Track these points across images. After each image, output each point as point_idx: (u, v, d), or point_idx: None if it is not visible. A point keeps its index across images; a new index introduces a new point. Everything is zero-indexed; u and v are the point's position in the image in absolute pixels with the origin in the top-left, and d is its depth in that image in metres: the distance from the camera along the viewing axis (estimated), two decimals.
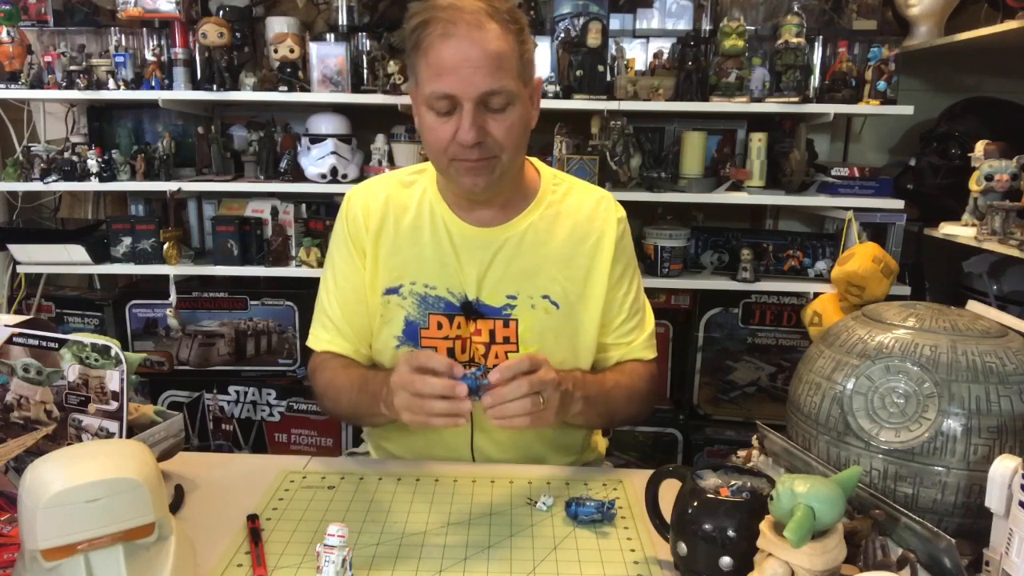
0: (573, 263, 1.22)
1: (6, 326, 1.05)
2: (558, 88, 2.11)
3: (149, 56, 2.16)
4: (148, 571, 0.79)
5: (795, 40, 2.05)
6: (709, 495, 0.83)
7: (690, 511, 0.84)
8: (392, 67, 2.10)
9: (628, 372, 1.27)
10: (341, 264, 1.26)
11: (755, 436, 1.04)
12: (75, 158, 2.18)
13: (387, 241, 1.22)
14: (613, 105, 2.09)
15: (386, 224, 1.23)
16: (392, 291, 1.22)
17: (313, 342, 1.28)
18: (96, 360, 1.01)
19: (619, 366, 1.28)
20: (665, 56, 2.18)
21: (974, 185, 1.90)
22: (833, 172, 2.15)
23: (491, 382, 0.99)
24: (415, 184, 1.25)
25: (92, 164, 2.16)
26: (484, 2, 1.07)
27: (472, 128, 1.06)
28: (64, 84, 2.13)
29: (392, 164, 2.24)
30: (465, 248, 1.20)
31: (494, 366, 1.01)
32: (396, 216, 1.23)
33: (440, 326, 1.21)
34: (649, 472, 0.96)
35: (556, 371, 1.05)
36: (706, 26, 2.21)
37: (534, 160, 1.29)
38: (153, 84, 2.14)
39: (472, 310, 1.21)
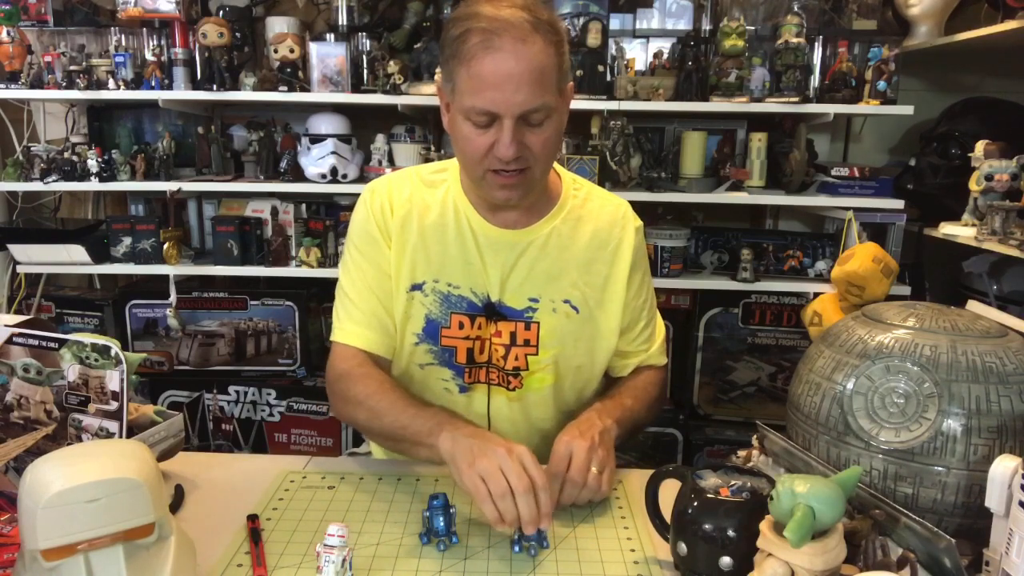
0: (593, 268, 1.23)
1: (6, 326, 1.05)
2: None
3: (149, 56, 2.16)
4: (148, 571, 0.79)
5: (795, 40, 2.05)
6: (709, 495, 0.83)
7: (690, 511, 0.84)
8: (392, 67, 2.10)
9: (643, 384, 1.28)
10: (369, 251, 1.22)
11: (755, 436, 1.04)
12: (75, 158, 2.18)
13: (411, 237, 1.21)
14: (613, 105, 2.09)
15: (410, 220, 1.22)
16: (416, 288, 1.22)
17: (341, 335, 1.22)
18: (96, 360, 1.01)
19: (633, 379, 1.29)
20: (665, 56, 2.18)
21: (974, 185, 1.90)
22: (833, 172, 2.15)
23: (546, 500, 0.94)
24: (438, 184, 1.24)
25: (92, 164, 2.16)
26: (527, 12, 1.03)
27: (512, 144, 1.05)
28: (64, 84, 2.13)
29: (392, 164, 2.24)
30: (489, 249, 1.20)
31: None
32: (420, 213, 1.22)
33: (461, 325, 1.21)
34: (649, 472, 0.96)
35: (582, 431, 1.07)
36: (706, 26, 2.21)
37: (554, 163, 1.28)
38: (153, 84, 2.14)
39: (494, 311, 1.21)
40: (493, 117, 1.05)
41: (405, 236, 1.21)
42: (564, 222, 1.22)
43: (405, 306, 1.22)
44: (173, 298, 2.27)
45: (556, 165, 1.28)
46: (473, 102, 1.05)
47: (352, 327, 1.21)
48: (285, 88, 2.13)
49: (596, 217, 1.25)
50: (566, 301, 1.21)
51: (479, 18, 1.03)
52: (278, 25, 2.18)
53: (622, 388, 1.27)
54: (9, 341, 1.04)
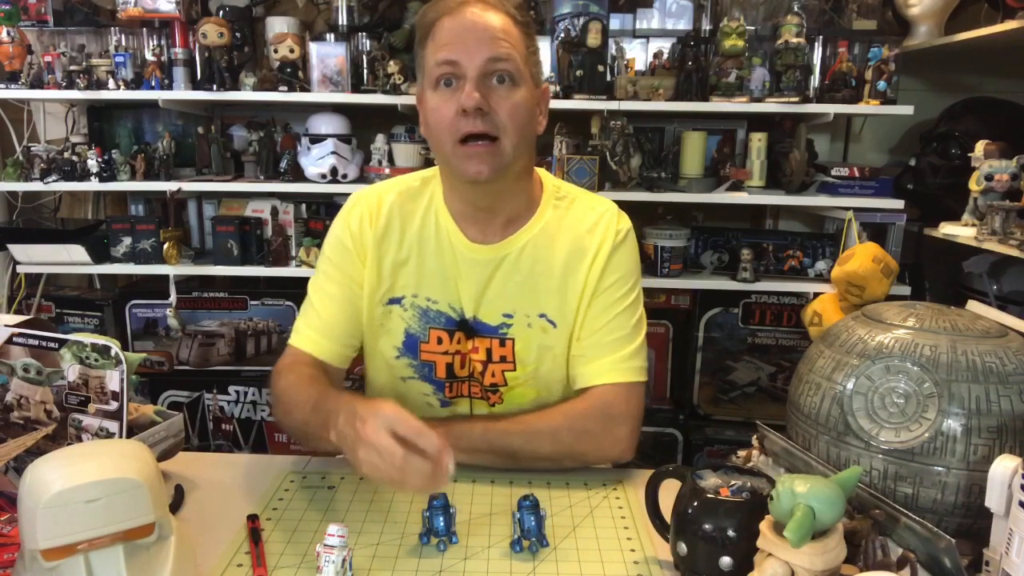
0: (570, 280, 1.19)
1: (6, 326, 1.05)
2: (558, 88, 2.11)
3: (149, 56, 2.16)
4: (148, 571, 0.79)
5: (795, 40, 2.05)
6: (709, 495, 0.83)
7: (690, 511, 0.84)
8: (392, 67, 2.10)
9: (565, 409, 1.16)
10: (339, 262, 1.21)
11: (755, 436, 1.04)
12: (75, 158, 2.18)
13: (391, 249, 1.20)
14: (613, 105, 2.09)
15: (391, 231, 1.20)
16: (394, 301, 1.20)
17: (294, 338, 1.21)
18: (96, 360, 1.01)
19: (563, 402, 1.19)
20: (665, 56, 2.18)
21: (974, 185, 1.90)
22: (833, 172, 2.15)
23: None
24: (421, 194, 1.22)
25: (92, 164, 2.16)
26: None
27: (475, 93, 1.05)
28: (64, 84, 2.13)
29: (392, 164, 2.24)
30: (465, 265, 1.18)
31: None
32: (402, 224, 1.20)
33: (440, 341, 1.19)
34: (649, 472, 0.96)
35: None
36: (706, 26, 2.21)
37: (540, 171, 1.25)
38: (153, 84, 2.14)
39: (469, 328, 1.19)
40: (457, 73, 1.06)
41: (384, 248, 1.20)
42: (541, 233, 1.18)
43: (381, 318, 1.21)
44: (173, 298, 2.27)
45: (543, 172, 1.25)
46: (436, 57, 1.08)
47: (307, 332, 1.20)
48: (285, 88, 2.13)
49: (576, 226, 1.20)
50: (542, 315, 1.18)
51: (445, 2, 1.10)
52: (278, 25, 2.18)
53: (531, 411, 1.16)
54: (9, 341, 1.04)
